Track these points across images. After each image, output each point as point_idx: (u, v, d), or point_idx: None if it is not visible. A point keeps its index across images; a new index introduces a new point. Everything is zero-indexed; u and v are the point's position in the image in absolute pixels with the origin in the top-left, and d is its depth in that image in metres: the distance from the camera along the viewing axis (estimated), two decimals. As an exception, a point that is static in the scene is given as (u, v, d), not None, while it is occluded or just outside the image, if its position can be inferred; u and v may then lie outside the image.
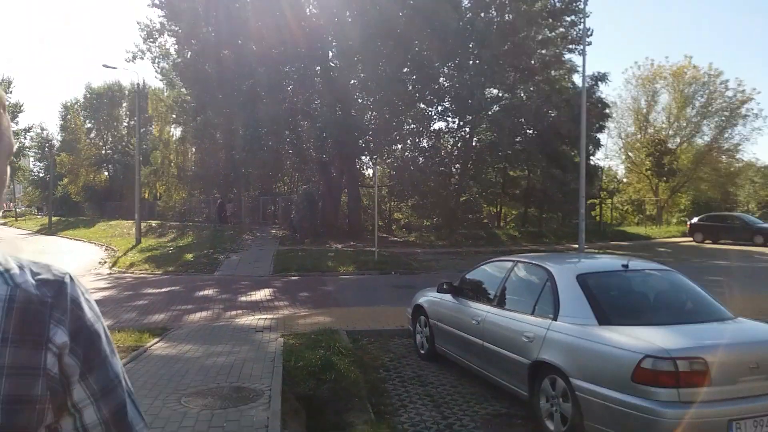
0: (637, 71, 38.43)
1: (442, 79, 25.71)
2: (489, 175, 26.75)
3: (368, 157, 31.55)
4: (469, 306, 6.81)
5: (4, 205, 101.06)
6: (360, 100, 26.35)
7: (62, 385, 0.92)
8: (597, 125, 27.31)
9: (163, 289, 15.34)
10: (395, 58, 24.42)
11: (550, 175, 27.43)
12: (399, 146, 30.18)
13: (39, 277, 0.96)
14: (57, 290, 0.95)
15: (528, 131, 24.54)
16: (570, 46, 26.59)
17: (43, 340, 0.90)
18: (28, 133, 49.67)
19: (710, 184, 38.18)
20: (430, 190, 25.52)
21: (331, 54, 25.72)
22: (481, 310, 6.48)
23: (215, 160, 36.70)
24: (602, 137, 29.69)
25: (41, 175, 65.53)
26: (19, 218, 66.84)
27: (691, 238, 30.10)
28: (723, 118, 36.70)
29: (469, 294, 7.10)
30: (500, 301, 6.35)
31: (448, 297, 7.39)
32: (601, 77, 27.94)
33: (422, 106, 26.02)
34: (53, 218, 49.31)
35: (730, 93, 36.34)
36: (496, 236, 28.21)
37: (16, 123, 45.89)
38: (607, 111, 29.57)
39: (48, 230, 45.65)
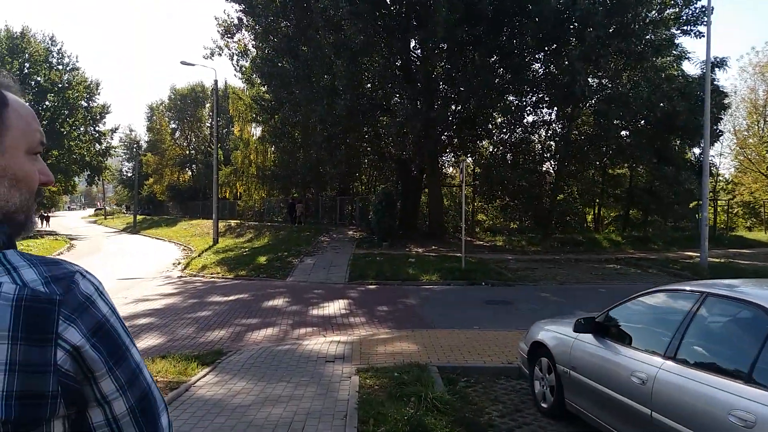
0: (755, 58, 34.21)
1: (537, 65, 23.24)
2: (588, 173, 23.97)
3: (452, 154, 29.48)
4: (625, 354, 4.67)
5: (97, 203, 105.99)
6: (443, 93, 24.29)
7: (78, 381, 0.97)
8: (716, 117, 23.92)
9: (231, 297, 13.93)
10: (483, 45, 22.24)
11: (660, 173, 24.33)
12: (485, 142, 27.96)
13: (49, 274, 0.98)
14: (66, 287, 0.98)
15: (636, 123, 21.61)
16: (685, 27, 23.36)
17: (51, 337, 0.93)
18: (114, 134, 50.80)
19: None
20: (521, 189, 23.10)
21: (413, 43, 23.78)
22: (648, 363, 4.33)
23: (293, 159, 35.74)
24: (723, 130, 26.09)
25: (129, 174, 67.48)
26: (108, 216, 69.20)
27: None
28: None
29: (622, 336, 4.95)
30: (681, 353, 4.17)
31: (587, 337, 5.26)
32: (719, 63, 24.53)
33: (512, 98, 23.63)
34: (138, 217, 50.20)
35: None
36: (596, 241, 25.34)
37: (104, 124, 47.06)
38: (726, 101, 26.06)
39: (132, 229, 46.41)
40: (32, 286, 0.94)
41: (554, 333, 5.95)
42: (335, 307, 12.35)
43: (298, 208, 34.60)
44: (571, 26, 20.80)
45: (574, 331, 5.28)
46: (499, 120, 24.86)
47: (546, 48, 22.19)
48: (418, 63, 24.46)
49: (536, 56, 22.77)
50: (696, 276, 16.73)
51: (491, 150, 26.29)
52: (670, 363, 4.16)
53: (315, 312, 11.95)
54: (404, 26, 22.40)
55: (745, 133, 35.35)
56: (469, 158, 25.38)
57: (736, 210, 37.30)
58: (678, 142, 24.29)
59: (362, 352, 8.15)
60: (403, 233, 24.54)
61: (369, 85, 25.79)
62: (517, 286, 15.40)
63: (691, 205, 33.38)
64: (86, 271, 1.03)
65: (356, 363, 7.50)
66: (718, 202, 33.68)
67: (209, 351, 8.40)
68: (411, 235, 24.78)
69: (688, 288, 4.70)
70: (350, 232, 28.21)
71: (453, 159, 30.56)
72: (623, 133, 22.86)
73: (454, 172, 35.23)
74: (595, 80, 22.11)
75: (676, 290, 4.92)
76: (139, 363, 1.06)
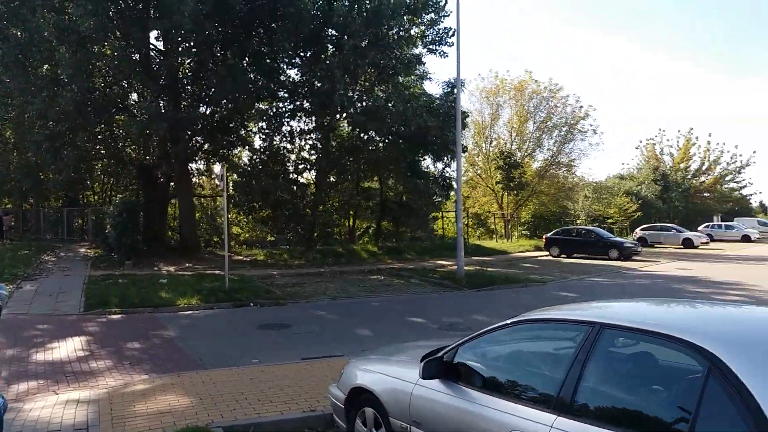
0: (481, 83, 38.36)
1: (293, 71, 22.38)
2: (348, 185, 23.85)
3: (203, 162, 27.10)
4: (496, 407, 3.62)
5: None
6: (192, 93, 22.01)
7: None
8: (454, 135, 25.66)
9: None
10: (235, 44, 20.65)
11: (413, 186, 25.36)
12: (241, 149, 26.24)
13: None
14: None
15: (392, 136, 22.03)
16: (431, 47, 24.69)
17: None
18: None
19: (550, 198, 39.18)
20: (283, 201, 21.90)
21: (155, 34, 21.05)
22: (534, 420, 3.36)
23: (4, 163, 29.63)
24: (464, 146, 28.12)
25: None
26: None
27: (546, 252, 29.87)
28: (562, 133, 37.88)
29: (485, 382, 3.91)
30: (576, 405, 3.26)
31: (434, 383, 4.14)
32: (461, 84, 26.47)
33: (266, 105, 22.42)
34: None
35: (569, 109, 37.69)
36: (355, 253, 25.35)
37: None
38: (468, 120, 28.35)
39: None
40: None
41: (383, 375, 4.74)
42: (69, 348, 9.60)
43: (6, 221, 28.62)
44: (329, 34, 20.38)
45: (423, 378, 4.11)
46: (257, 126, 23.41)
47: (303, 54, 21.45)
48: (161, 57, 21.79)
49: (293, 61, 21.88)
50: (456, 284, 17.34)
51: (249, 158, 24.64)
52: (565, 420, 3.22)
53: (40, 357, 9.09)
54: (143, 13, 19.67)
55: (474, 151, 39.31)
56: (225, 166, 23.40)
57: (467, 221, 41.22)
58: (428, 157, 25.55)
59: (114, 416, 6.02)
60: (150, 250, 21.54)
61: (102, 79, 22.23)
62: (290, 304, 14.08)
63: (432, 215, 35.98)
64: None
65: (106, 436, 5.41)
66: (451, 213, 36.72)
67: None
68: (159, 252, 21.90)
69: (567, 317, 3.85)
70: (82, 250, 24.01)
71: (204, 167, 28.19)
72: (381, 145, 23.19)
73: (205, 181, 32.72)
74: (354, 91, 22.00)
75: (548, 321, 4.07)
76: None
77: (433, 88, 62.00)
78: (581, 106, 38.00)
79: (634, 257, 27.68)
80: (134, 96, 23.21)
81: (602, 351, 3.33)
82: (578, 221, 42.52)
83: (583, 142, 38.72)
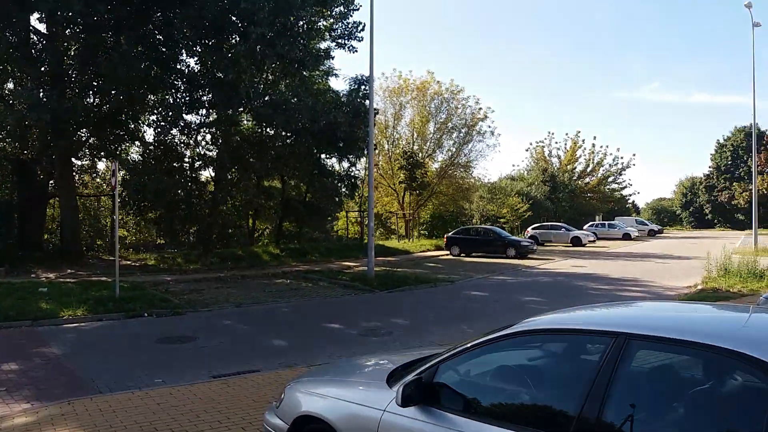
0: (384, 83, 38.13)
1: (193, 60, 20.84)
2: (250, 183, 22.55)
3: (87, 158, 24.73)
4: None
5: None
6: (79, 81, 19.91)
7: None
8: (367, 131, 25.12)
9: None
10: (129, 29, 18.91)
11: (319, 184, 24.57)
12: (132, 144, 24.19)
13: None
14: None
15: (300, 131, 21.02)
16: (340, 41, 24.03)
17: None
18: None
19: (448, 198, 39.72)
20: (179, 200, 20.29)
21: (38, 15, 18.84)
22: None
23: None
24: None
25: None
26: None
27: (447, 252, 30.08)
28: (461, 134, 38.51)
29: (478, 407, 3.31)
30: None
31: (408, 411, 3.48)
32: (365, 81, 25.96)
33: (167, 93, 20.76)
34: None
35: (468, 110, 38.36)
36: (256, 255, 24.11)
37: None
38: (376, 118, 27.85)
39: None
40: None
41: (339, 401, 4.00)
42: None
43: None
44: (235, 21, 19.14)
45: (402, 404, 3.43)
46: (151, 119, 21.58)
47: (205, 42, 20.04)
48: (44, 41, 19.57)
49: (194, 50, 20.39)
50: (368, 286, 16.79)
51: (142, 153, 22.72)
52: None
53: None
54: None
55: (376, 150, 39.02)
56: (117, 162, 21.40)
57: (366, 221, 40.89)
58: (334, 155, 24.82)
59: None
60: (25, 254, 19.23)
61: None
62: (190, 314, 12.86)
63: (336, 215, 35.32)
64: None
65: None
66: (352, 214, 36.22)
67: None
68: (36, 257, 19.62)
69: (579, 326, 3.31)
70: (-60, 256, 21.06)
71: (89, 163, 25.75)
72: (288, 141, 22.16)
73: (88, 179, 30.06)
74: (260, 83, 20.88)
75: (555, 331, 3.49)
76: None
77: (339, 84, 61.41)
78: (480, 108, 38.86)
79: (530, 255, 28.50)
80: (11, 84, 20.75)
81: (631, 367, 2.83)
82: (474, 221, 43.51)
83: (481, 144, 39.62)
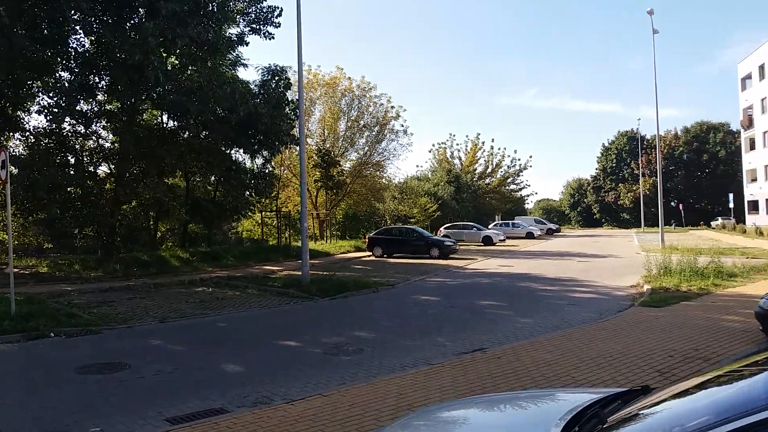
0: (292, 76, 36.12)
1: (88, 39, 18.15)
2: (160, 179, 20.03)
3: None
4: None
5: None
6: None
7: None
8: (290, 124, 23.28)
9: None
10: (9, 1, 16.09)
11: (239, 181, 22.45)
12: (10, 134, 20.86)
13: None
14: None
15: (217, 122, 18.88)
16: (254, 26, 22.03)
17: None
18: None
19: (362, 198, 38.56)
20: (75, 197, 17.57)
21: None
22: None
23: None
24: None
25: None
26: None
27: (369, 253, 28.88)
28: (374, 132, 37.47)
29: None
30: None
31: None
32: (280, 71, 24.10)
33: (63, 74, 17.95)
34: None
35: (381, 108, 37.39)
36: (163, 261, 21.59)
37: None
38: (296, 113, 25.99)
39: None
40: None
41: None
42: None
43: None
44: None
45: None
46: (40, 106, 18.58)
47: (105, 18, 17.49)
48: None
49: (93, 28, 17.76)
50: (305, 292, 15.20)
51: (30, 145, 19.58)
52: None
53: None
54: None
55: (287, 147, 37.01)
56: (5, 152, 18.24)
57: (277, 222, 38.79)
58: (255, 148, 22.75)
59: None
60: None
61: None
62: (107, 332, 10.71)
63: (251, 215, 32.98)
64: None
65: None
66: (259, 215, 34.02)
67: None
68: None
69: None
70: None
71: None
72: (204, 133, 19.91)
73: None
74: (167, 66, 18.59)
75: None
76: None
77: (249, 75, 58.24)
78: (393, 107, 38.02)
79: (452, 255, 27.98)
80: None
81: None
82: (386, 221, 42.72)
83: (394, 143, 38.82)
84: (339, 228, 40.17)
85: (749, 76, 57.13)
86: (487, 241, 39.34)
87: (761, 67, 53.76)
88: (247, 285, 16.97)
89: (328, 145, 36.58)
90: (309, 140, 36.92)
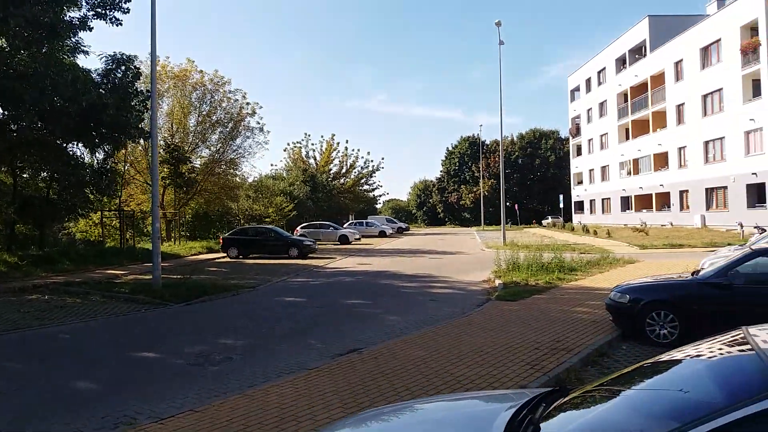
0: (143, 68, 33.58)
1: None
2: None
3: None
4: None
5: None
6: None
7: None
8: (140, 117, 21.44)
9: None
10: None
11: (80, 176, 20.28)
12: None
13: None
14: None
15: (56, 111, 16.82)
16: (99, 10, 20.06)
17: None
18: None
19: (214, 196, 36.79)
20: None
21: None
22: None
23: None
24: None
25: None
26: None
27: (223, 254, 27.67)
28: (228, 128, 35.91)
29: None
30: None
31: None
32: (127, 60, 22.26)
33: None
34: None
35: (236, 104, 35.92)
36: (-14, 266, 18.98)
37: None
38: (147, 105, 23.97)
39: None
40: None
41: None
42: None
43: None
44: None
45: None
46: None
47: None
48: None
49: None
50: (157, 298, 14.13)
51: None
52: None
53: None
54: None
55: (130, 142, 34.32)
56: None
57: (114, 222, 35.90)
58: (97, 142, 20.67)
59: None
60: None
61: None
62: None
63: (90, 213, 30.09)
64: None
65: None
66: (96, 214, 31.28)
67: None
68: None
69: None
70: None
71: None
72: (39, 123, 17.71)
73: None
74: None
75: None
76: None
77: (90, 63, 52.96)
78: (248, 103, 36.82)
79: (311, 255, 27.77)
80: None
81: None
82: (240, 221, 41.37)
83: (249, 140, 37.62)
84: (187, 228, 38.13)
85: (577, 89, 63.37)
86: (344, 240, 39.62)
87: (588, 81, 59.86)
88: (89, 291, 15.44)
89: (177, 141, 34.50)
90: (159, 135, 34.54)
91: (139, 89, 21.59)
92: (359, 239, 42.33)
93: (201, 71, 35.18)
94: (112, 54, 21.02)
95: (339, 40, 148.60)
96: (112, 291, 15.32)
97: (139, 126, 20.44)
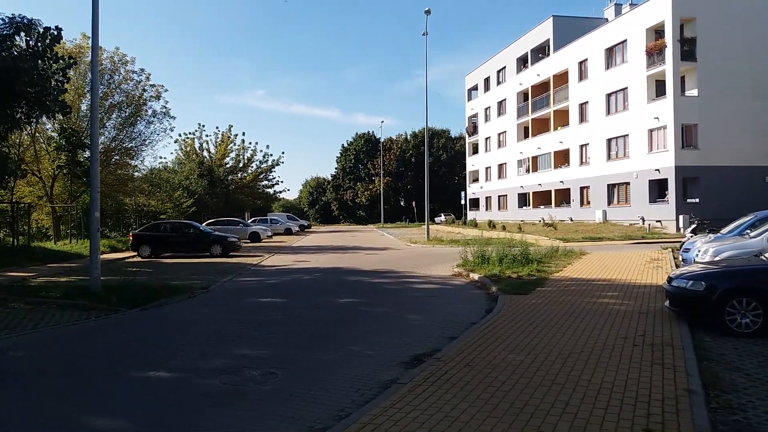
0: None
1: None
2: None
3: None
4: None
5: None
6: None
7: None
8: (60, 87, 17.87)
9: None
10: None
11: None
12: None
13: None
14: None
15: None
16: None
17: None
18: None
19: (109, 189, 32.65)
20: None
21: None
22: None
23: None
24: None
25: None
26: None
27: (135, 253, 24.46)
28: (126, 113, 32.01)
29: None
30: None
31: None
32: (27, 23, 18.62)
33: None
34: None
35: (138, 86, 32.03)
36: None
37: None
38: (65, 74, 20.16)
39: None
40: None
41: None
42: None
43: None
44: None
45: None
46: None
47: None
48: None
49: None
50: (103, 303, 11.64)
51: None
52: None
53: None
54: None
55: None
56: None
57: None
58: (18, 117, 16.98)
59: None
60: None
61: None
62: None
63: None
64: None
65: None
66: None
67: None
68: None
69: None
70: None
71: None
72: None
73: None
74: None
75: None
76: None
77: None
78: (152, 85, 33.16)
79: (233, 252, 25.38)
80: None
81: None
82: (133, 218, 37.45)
83: (153, 125, 33.82)
84: (76, 226, 33.74)
85: (475, 88, 64.57)
86: (255, 237, 37.15)
87: (487, 80, 61.12)
88: (5, 297, 12.47)
89: (72, 126, 30.25)
90: (45, 118, 30.09)
91: (59, 56, 18.07)
92: (271, 237, 39.99)
93: (100, 48, 31.17)
94: (11, 16, 17.48)
95: (213, 34, 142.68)
96: (39, 296, 12.47)
97: (61, 98, 17.05)
